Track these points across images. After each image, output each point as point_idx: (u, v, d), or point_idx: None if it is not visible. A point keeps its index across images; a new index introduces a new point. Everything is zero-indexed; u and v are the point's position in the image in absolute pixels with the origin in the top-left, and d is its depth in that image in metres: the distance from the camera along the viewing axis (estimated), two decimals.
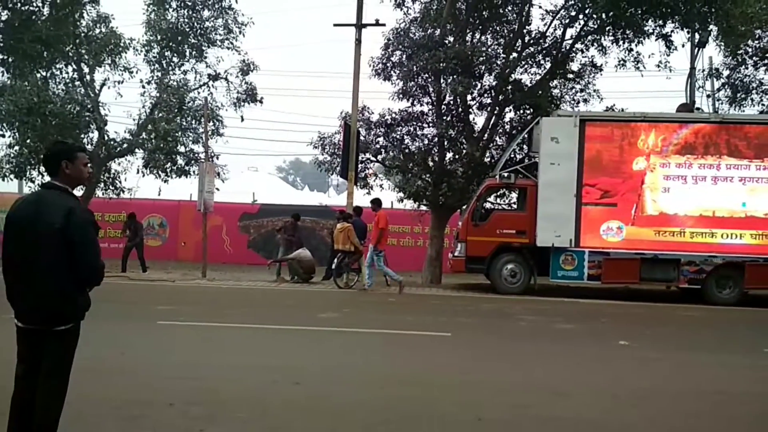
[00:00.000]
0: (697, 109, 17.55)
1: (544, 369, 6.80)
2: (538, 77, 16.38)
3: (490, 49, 16.22)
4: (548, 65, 16.37)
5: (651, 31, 15.56)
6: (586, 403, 5.62)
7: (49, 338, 3.61)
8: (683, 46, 17.42)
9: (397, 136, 16.43)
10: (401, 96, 15.82)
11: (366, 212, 15.30)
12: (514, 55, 16.25)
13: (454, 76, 15.09)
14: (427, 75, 15.53)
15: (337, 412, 5.17)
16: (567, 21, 16.15)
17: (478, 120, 16.57)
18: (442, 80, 15.53)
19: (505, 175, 14.08)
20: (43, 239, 3.54)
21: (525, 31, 16.43)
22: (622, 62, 16.13)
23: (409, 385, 5.97)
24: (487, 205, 14.97)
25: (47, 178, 3.78)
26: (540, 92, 15.75)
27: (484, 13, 16.32)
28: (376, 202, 14.46)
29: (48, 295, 3.56)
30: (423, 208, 16.90)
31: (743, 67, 17.73)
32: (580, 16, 16.00)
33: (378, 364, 6.97)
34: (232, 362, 6.71)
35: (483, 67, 15.72)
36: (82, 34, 16.54)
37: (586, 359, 7.36)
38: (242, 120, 17.82)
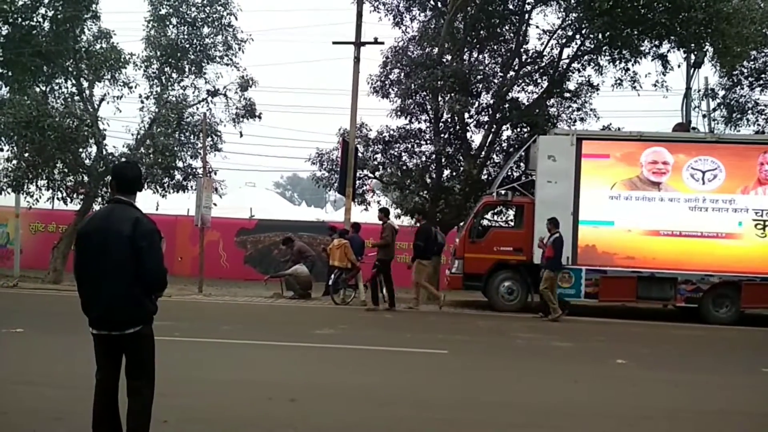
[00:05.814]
0: (693, 128, 17.66)
1: (540, 388, 6.77)
2: (535, 96, 16.49)
3: (487, 68, 16.36)
4: (545, 84, 16.48)
5: (647, 51, 15.67)
6: (583, 424, 5.58)
7: (124, 342, 3.84)
8: (679, 66, 17.59)
9: (395, 153, 16.49)
10: (399, 113, 15.90)
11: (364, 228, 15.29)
12: (512, 73, 16.38)
13: (452, 94, 15.17)
14: (424, 93, 15.61)
15: (334, 431, 5.13)
16: (564, 41, 16.29)
17: (476, 137, 16.68)
18: (439, 98, 15.61)
19: (503, 192, 14.09)
20: (112, 246, 3.78)
21: (522, 50, 16.57)
22: (618, 82, 16.24)
23: (407, 404, 5.94)
24: (485, 222, 14.98)
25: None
26: (537, 111, 15.84)
27: (481, 32, 16.46)
28: None
29: (117, 298, 3.79)
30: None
31: (739, 87, 17.88)
32: (577, 36, 16.14)
33: (375, 381, 6.93)
34: (227, 378, 6.67)
35: (480, 86, 15.85)
36: (83, 50, 16.57)
37: (583, 378, 7.33)
38: (241, 136, 17.84)
